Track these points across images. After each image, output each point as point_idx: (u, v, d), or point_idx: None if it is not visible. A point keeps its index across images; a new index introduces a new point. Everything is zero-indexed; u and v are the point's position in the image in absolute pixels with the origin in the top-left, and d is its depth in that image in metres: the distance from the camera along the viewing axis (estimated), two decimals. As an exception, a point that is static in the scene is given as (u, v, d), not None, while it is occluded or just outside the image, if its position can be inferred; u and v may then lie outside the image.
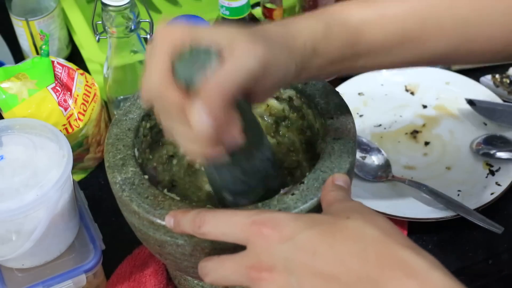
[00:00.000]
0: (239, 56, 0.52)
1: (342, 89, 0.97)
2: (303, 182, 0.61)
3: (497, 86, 0.99)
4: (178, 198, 0.63)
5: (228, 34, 0.53)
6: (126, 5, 0.83)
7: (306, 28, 0.58)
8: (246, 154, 0.60)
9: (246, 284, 0.50)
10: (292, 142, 0.74)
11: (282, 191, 0.61)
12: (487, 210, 0.82)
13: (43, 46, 0.86)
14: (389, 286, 0.46)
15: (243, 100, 0.56)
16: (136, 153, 0.67)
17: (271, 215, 0.51)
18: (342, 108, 0.68)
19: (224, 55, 0.52)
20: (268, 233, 0.50)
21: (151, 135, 0.72)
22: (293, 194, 0.60)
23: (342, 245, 0.48)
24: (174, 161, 0.73)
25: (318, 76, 0.65)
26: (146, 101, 0.54)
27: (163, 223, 0.59)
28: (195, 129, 0.51)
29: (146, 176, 0.64)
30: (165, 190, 0.70)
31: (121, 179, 0.63)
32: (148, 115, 0.71)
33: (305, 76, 0.59)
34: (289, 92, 0.73)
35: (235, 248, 0.52)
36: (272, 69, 0.54)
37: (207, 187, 0.71)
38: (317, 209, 0.59)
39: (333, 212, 0.53)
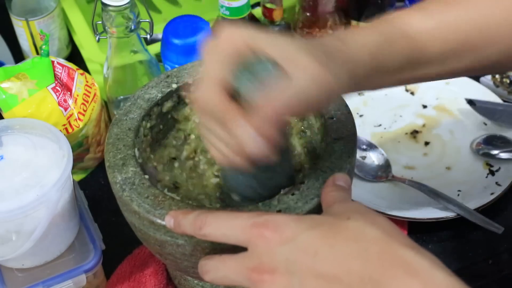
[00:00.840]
0: (302, 77, 0.51)
1: (342, 89, 0.97)
2: (303, 182, 0.61)
3: (497, 86, 0.99)
4: (178, 198, 0.63)
5: (290, 47, 0.52)
6: (126, 5, 0.83)
7: (366, 44, 0.56)
8: (269, 169, 0.60)
9: (246, 285, 0.51)
10: (293, 147, 0.74)
11: (282, 191, 0.61)
12: (487, 210, 0.82)
13: (43, 46, 0.86)
14: (391, 286, 0.45)
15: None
16: (137, 153, 0.67)
17: (271, 217, 0.51)
18: (343, 108, 0.68)
19: (286, 71, 0.51)
20: (269, 235, 0.50)
21: (152, 135, 0.72)
22: (293, 194, 0.60)
23: (343, 246, 0.48)
24: (176, 164, 0.73)
25: (369, 88, 0.63)
26: (195, 100, 0.54)
27: (163, 223, 0.59)
28: (241, 142, 0.51)
29: (147, 176, 0.64)
30: (166, 190, 0.70)
31: (122, 179, 0.63)
32: (149, 114, 0.71)
33: (357, 88, 0.59)
34: None
35: (235, 249, 0.52)
36: (332, 94, 0.53)
37: (210, 189, 0.71)
38: (318, 209, 0.59)
39: (333, 213, 0.53)
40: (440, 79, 0.64)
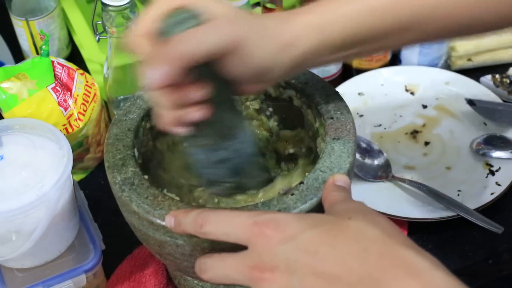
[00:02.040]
0: (210, 29, 0.55)
1: (342, 89, 0.97)
2: (302, 182, 0.61)
3: (497, 86, 0.99)
4: (177, 199, 0.63)
5: (218, 6, 0.56)
6: (126, 5, 0.83)
7: (305, 28, 0.58)
8: (211, 138, 0.61)
9: (247, 283, 0.50)
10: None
11: (282, 191, 0.61)
12: (487, 210, 0.82)
13: (43, 46, 0.86)
14: (391, 285, 0.45)
15: (215, 78, 0.57)
16: (136, 153, 0.67)
17: (272, 216, 0.52)
18: (342, 108, 0.68)
19: (202, 23, 0.55)
20: (270, 234, 0.50)
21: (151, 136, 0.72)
22: (292, 194, 0.60)
23: (344, 245, 0.48)
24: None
25: (315, 67, 0.66)
26: (128, 45, 0.58)
27: (163, 223, 0.59)
28: (148, 81, 0.55)
29: (146, 176, 0.64)
30: (165, 190, 0.70)
31: (121, 179, 0.63)
32: (148, 115, 0.71)
33: (301, 70, 0.62)
34: (289, 92, 0.73)
35: (235, 249, 0.52)
36: (245, 54, 0.56)
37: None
38: (317, 209, 0.59)
39: (335, 212, 0.53)
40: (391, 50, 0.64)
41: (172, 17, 0.56)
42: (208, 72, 0.57)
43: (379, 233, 0.48)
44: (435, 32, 0.62)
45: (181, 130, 0.59)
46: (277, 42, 0.57)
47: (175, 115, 0.57)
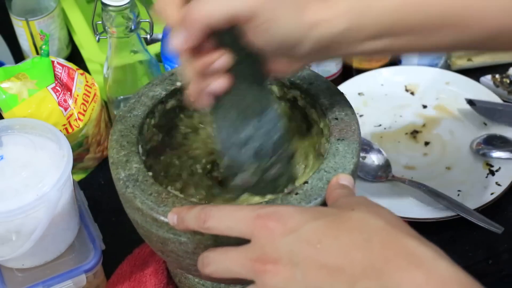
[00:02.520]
0: None
1: (342, 89, 0.97)
2: (307, 182, 0.61)
3: (497, 86, 0.99)
4: (181, 196, 0.63)
5: None
6: (126, 5, 0.83)
7: (340, 9, 0.56)
8: (239, 111, 0.61)
9: (249, 276, 0.50)
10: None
11: (286, 190, 0.61)
12: (487, 210, 0.82)
13: (43, 46, 0.86)
14: (395, 275, 0.45)
15: (241, 45, 0.57)
16: (140, 150, 0.67)
17: (275, 209, 0.51)
18: (347, 109, 0.68)
19: None
20: (273, 226, 0.50)
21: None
22: (296, 193, 0.60)
23: (347, 236, 0.48)
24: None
25: (346, 55, 0.66)
26: (157, 11, 0.58)
27: (167, 220, 0.59)
28: (171, 46, 0.56)
29: (150, 173, 0.64)
30: (170, 187, 0.70)
31: (125, 176, 0.63)
32: (152, 112, 0.71)
33: (332, 53, 0.59)
34: (293, 92, 0.73)
35: (238, 245, 0.52)
36: (270, 23, 0.55)
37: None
38: (320, 209, 0.59)
39: (338, 206, 0.53)
40: (420, 52, 0.63)
41: None
42: (232, 40, 0.56)
43: (382, 223, 0.48)
44: (476, 37, 0.59)
45: (204, 103, 0.60)
46: (309, 16, 0.56)
47: (198, 85, 0.58)
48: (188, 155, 0.76)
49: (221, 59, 0.57)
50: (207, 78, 0.58)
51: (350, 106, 0.68)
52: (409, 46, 0.60)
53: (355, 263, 0.46)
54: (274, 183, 0.66)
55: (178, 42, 0.55)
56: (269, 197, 0.67)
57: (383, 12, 0.57)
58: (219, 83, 0.58)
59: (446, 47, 0.62)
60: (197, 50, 0.56)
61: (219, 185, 0.74)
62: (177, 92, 0.73)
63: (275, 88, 0.74)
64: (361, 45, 0.58)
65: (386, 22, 0.57)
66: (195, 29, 0.54)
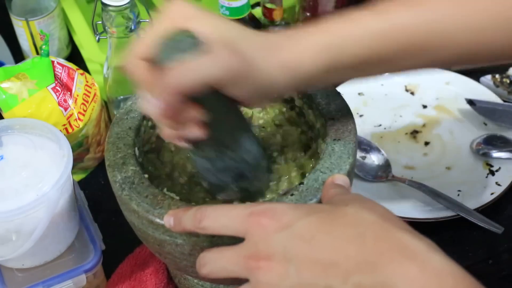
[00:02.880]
0: (209, 59, 0.54)
1: (342, 89, 0.96)
2: (302, 183, 0.61)
3: (497, 86, 0.99)
4: (177, 198, 0.63)
5: (220, 30, 0.56)
6: (126, 5, 0.83)
7: (316, 44, 0.57)
8: (215, 149, 0.62)
9: (244, 274, 0.50)
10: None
11: (281, 192, 0.61)
12: (487, 210, 0.82)
13: (43, 46, 0.86)
14: (388, 269, 0.45)
15: (215, 98, 0.57)
16: (137, 152, 0.67)
17: (269, 205, 0.51)
18: (343, 109, 0.68)
19: (204, 50, 0.54)
20: (266, 223, 0.50)
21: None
22: (292, 194, 0.60)
23: (340, 231, 0.48)
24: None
25: (321, 87, 0.66)
26: (126, 69, 0.57)
27: (162, 222, 0.59)
28: (145, 108, 0.56)
29: (146, 175, 0.64)
30: (165, 189, 0.70)
31: (121, 178, 0.63)
32: None
33: (308, 88, 0.61)
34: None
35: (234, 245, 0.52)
36: (247, 79, 0.56)
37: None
38: (317, 209, 0.59)
39: (332, 203, 0.53)
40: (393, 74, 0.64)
41: (171, 40, 0.55)
42: (206, 97, 0.56)
43: (375, 218, 0.48)
44: (449, 58, 0.61)
45: (183, 144, 0.60)
46: (280, 60, 0.57)
47: (175, 132, 0.58)
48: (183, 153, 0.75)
49: (199, 113, 0.57)
50: (183, 127, 0.58)
51: (347, 106, 0.68)
52: (383, 72, 0.63)
53: (348, 257, 0.46)
54: (260, 192, 0.67)
55: (150, 108, 0.56)
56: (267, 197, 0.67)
57: (357, 45, 0.58)
58: (195, 133, 0.58)
59: (420, 68, 0.63)
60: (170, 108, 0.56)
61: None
62: None
63: None
64: (337, 78, 0.61)
65: (361, 57, 0.58)
66: (172, 98, 0.55)
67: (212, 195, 0.68)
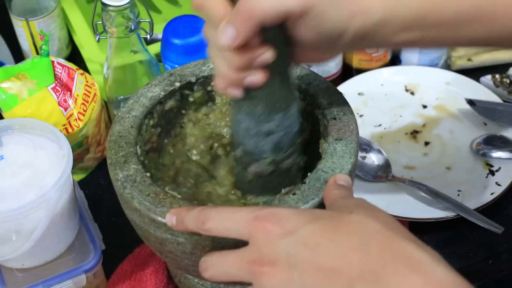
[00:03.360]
0: None
1: (342, 89, 0.97)
2: (304, 182, 0.61)
3: (497, 86, 0.99)
4: (179, 196, 0.63)
5: None
6: (126, 5, 0.83)
7: None
8: (264, 108, 0.61)
9: (247, 279, 0.50)
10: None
11: (283, 191, 0.61)
12: (487, 210, 0.82)
13: (43, 46, 0.86)
14: (392, 279, 0.45)
15: (283, 43, 0.57)
16: (139, 151, 0.67)
17: (273, 210, 0.51)
18: (345, 109, 0.68)
19: None
20: (270, 228, 0.50)
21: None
22: (294, 194, 0.60)
23: (344, 239, 0.48)
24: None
25: (381, 46, 0.64)
26: (195, 6, 0.56)
27: (164, 221, 0.59)
28: (219, 39, 0.54)
29: (148, 174, 0.64)
30: (167, 188, 0.70)
31: (123, 176, 0.63)
32: (151, 112, 0.71)
33: (368, 44, 0.59)
34: None
35: (237, 247, 0.52)
36: (318, 18, 0.55)
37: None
38: (318, 209, 0.59)
39: (336, 208, 0.53)
40: (456, 46, 0.62)
41: None
42: (277, 35, 0.56)
43: (380, 227, 0.48)
44: (498, 31, 0.59)
45: (236, 93, 0.59)
46: (350, 7, 0.56)
47: (236, 76, 0.57)
48: (184, 142, 0.75)
49: (265, 54, 0.56)
50: (245, 71, 0.57)
51: (349, 106, 0.68)
52: (440, 39, 0.60)
53: (352, 266, 0.46)
54: (288, 173, 0.67)
55: (227, 39, 0.54)
56: (265, 198, 0.67)
57: (417, 3, 0.57)
58: (257, 78, 0.58)
59: (475, 41, 0.62)
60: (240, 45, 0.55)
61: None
62: (176, 93, 0.73)
63: None
64: (394, 36, 0.58)
65: (419, 13, 0.57)
66: (248, 26, 0.54)
67: (242, 166, 0.67)
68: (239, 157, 0.66)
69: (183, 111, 0.75)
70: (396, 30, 0.58)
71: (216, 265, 0.53)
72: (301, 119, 0.66)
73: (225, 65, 0.57)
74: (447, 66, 1.04)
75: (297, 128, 0.65)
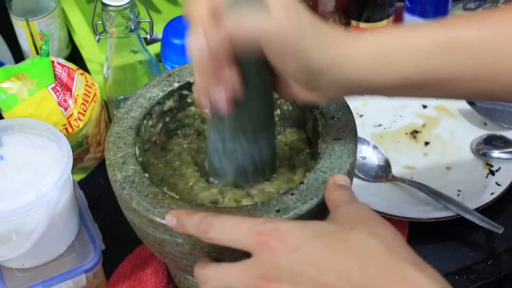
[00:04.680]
0: (270, 17, 0.53)
1: (342, 89, 0.97)
2: (302, 182, 0.61)
3: (497, 86, 0.99)
4: (177, 197, 0.63)
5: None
6: (126, 5, 0.83)
7: (367, 47, 0.55)
8: (233, 129, 0.62)
9: None
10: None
11: (281, 191, 0.61)
12: (487, 210, 0.82)
13: (43, 46, 0.86)
14: None
15: (257, 75, 0.57)
16: (137, 152, 0.67)
17: (276, 225, 0.52)
18: (344, 109, 0.68)
19: (266, 9, 0.53)
20: (274, 244, 0.50)
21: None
22: (292, 194, 0.60)
23: (345, 258, 0.48)
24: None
25: (368, 95, 0.62)
26: (186, 10, 0.56)
27: (163, 221, 0.59)
28: (191, 46, 0.54)
29: (146, 175, 0.64)
30: (165, 188, 0.70)
31: (121, 177, 0.64)
32: (150, 113, 0.71)
33: (351, 93, 0.59)
34: None
35: (235, 251, 0.52)
36: (298, 50, 0.54)
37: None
38: (317, 209, 0.59)
39: (340, 217, 0.53)
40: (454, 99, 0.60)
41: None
42: (254, 67, 0.56)
43: (380, 246, 0.49)
44: (463, 93, 0.57)
45: (207, 110, 0.59)
46: (335, 50, 0.55)
47: (206, 89, 0.57)
48: (181, 144, 0.75)
49: (234, 78, 0.56)
50: (216, 86, 0.57)
51: (347, 106, 0.68)
52: (426, 96, 0.59)
53: (352, 285, 0.47)
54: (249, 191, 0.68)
55: (197, 46, 0.54)
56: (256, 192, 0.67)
57: (409, 59, 0.55)
58: (224, 97, 0.57)
59: (477, 95, 0.60)
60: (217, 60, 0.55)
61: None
62: (175, 93, 0.73)
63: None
64: (385, 92, 0.58)
65: (419, 69, 0.55)
66: (218, 42, 0.53)
67: (204, 174, 0.69)
68: (208, 166, 0.68)
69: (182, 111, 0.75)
70: (383, 87, 0.57)
71: (217, 278, 0.53)
72: (272, 146, 0.66)
73: (196, 75, 0.57)
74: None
75: (267, 156, 0.66)
